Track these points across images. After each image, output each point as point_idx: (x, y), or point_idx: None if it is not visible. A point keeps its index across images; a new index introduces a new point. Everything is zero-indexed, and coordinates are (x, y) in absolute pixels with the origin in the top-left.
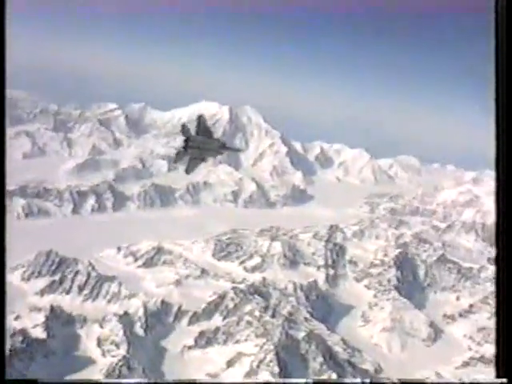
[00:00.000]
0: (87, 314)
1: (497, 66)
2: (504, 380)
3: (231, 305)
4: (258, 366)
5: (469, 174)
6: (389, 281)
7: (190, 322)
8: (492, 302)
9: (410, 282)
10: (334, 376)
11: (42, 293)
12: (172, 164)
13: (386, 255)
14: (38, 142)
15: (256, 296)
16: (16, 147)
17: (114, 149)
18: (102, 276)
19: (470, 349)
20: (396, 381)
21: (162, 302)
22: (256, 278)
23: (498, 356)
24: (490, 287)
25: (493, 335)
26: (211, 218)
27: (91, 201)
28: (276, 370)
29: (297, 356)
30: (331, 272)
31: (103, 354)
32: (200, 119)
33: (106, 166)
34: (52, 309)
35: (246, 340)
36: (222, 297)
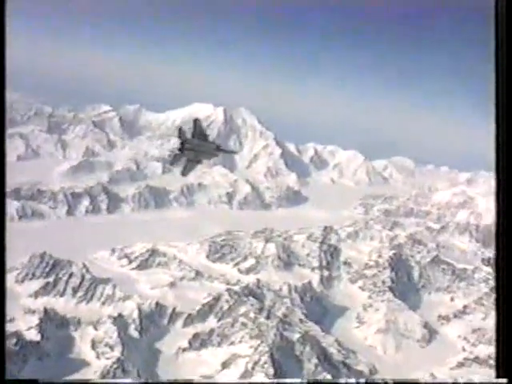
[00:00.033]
0: (81, 316)
1: (497, 66)
2: (504, 380)
3: (226, 306)
4: (252, 368)
5: (463, 175)
6: (383, 282)
7: (185, 324)
8: (486, 302)
9: (404, 283)
10: (328, 377)
11: (35, 295)
12: (167, 166)
13: (380, 256)
14: (32, 144)
15: (250, 298)
16: (10, 149)
17: (108, 151)
18: (96, 278)
19: (465, 350)
20: (390, 381)
21: (157, 304)
22: (250, 279)
23: (498, 356)
24: (484, 288)
25: (487, 336)
26: (206, 219)
27: (85, 203)
28: (271, 371)
29: (291, 357)
30: (326, 273)
31: (97, 357)
32: (196, 123)
33: (100, 167)
34: (46, 311)
35: (240, 342)
36: (217, 299)
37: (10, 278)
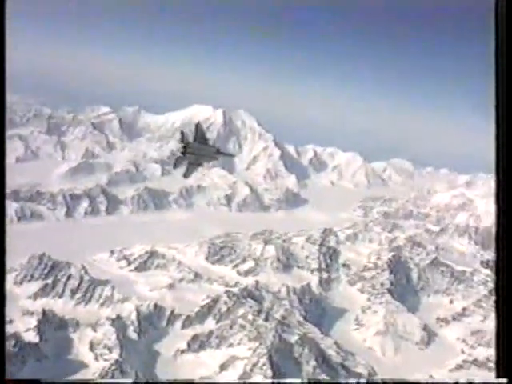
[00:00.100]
0: (80, 317)
1: (497, 66)
2: (504, 380)
3: (224, 308)
4: (251, 370)
5: (462, 177)
6: (382, 284)
7: (183, 326)
8: (485, 305)
9: (403, 285)
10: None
11: (34, 296)
12: (166, 168)
13: (379, 259)
14: (31, 146)
15: (249, 299)
16: (9, 151)
17: (108, 152)
18: (94, 280)
19: (464, 352)
20: (390, 382)
21: (155, 305)
22: (249, 281)
23: (498, 356)
24: (483, 290)
25: (486, 338)
26: (205, 221)
27: (84, 204)
28: (269, 373)
29: (290, 359)
30: (325, 275)
31: (96, 358)
32: (197, 127)
33: (99, 169)
34: (44, 313)
35: (239, 344)
36: (216, 300)
37: (8, 280)
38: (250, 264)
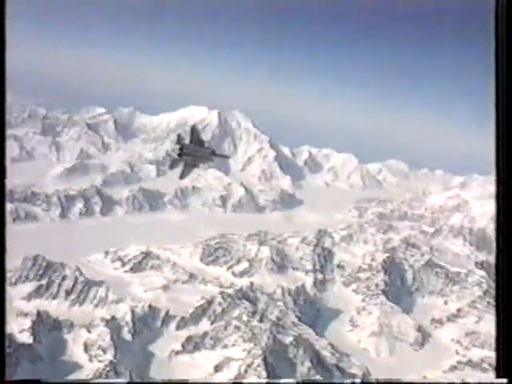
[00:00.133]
0: (74, 318)
1: (497, 66)
2: (504, 380)
3: (219, 309)
4: (245, 371)
5: (457, 178)
6: (377, 285)
7: (178, 327)
8: (480, 306)
9: (397, 286)
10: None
11: (28, 297)
12: (161, 168)
13: (374, 260)
14: (26, 146)
15: (244, 301)
16: None
17: (103, 153)
18: (89, 281)
19: (458, 353)
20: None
21: (150, 306)
22: (244, 282)
23: (498, 356)
24: (478, 291)
25: (480, 339)
26: (200, 222)
27: (79, 205)
28: (264, 374)
29: (285, 360)
30: (319, 276)
31: (90, 359)
32: (193, 129)
33: (94, 170)
34: (39, 314)
35: (233, 345)
36: (210, 301)
37: None
38: (244, 265)
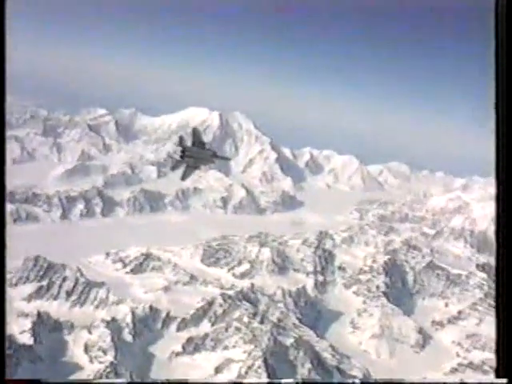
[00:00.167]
0: (75, 319)
1: (497, 66)
2: (504, 380)
3: (220, 311)
4: (246, 373)
5: (458, 180)
6: (378, 287)
7: (179, 328)
8: (481, 308)
9: (398, 288)
10: None
11: (29, 298)
12: (162, 170)
13: (374, 262)
14: (28, 147)
15: (244, 302)
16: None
17: (104, 154)
18: (90, 282)
19: (459, 355)
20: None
21: (151, 308)
22: (245, 284)
23: (498, 356)
24: (479, 294)
25: (481, 342)
26: (200, 223)
27: (80, 206)
28: (264, 376)
29: (285, 362)
30: (320, 278)
31: (91, 360)
32: (195, 131)
33: (95, 171)
34: (39, 315)
35: (234, 346)
36: (211, 303)
37: None
38: (245, 266)
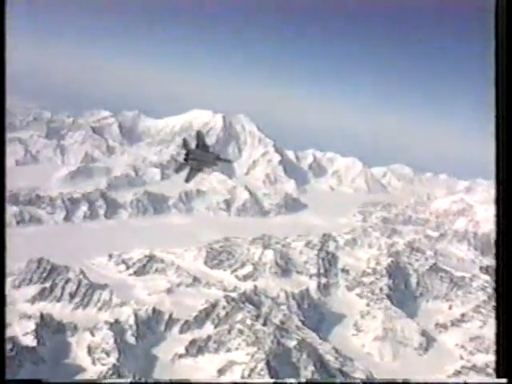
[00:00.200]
0: (78, 321)
1: (497, 66)
2: (504, 380)
3: (223, 313)
4: (249, 375)
5: (461, 183)
6: (381, 289)
7: (182, 331)
8: (484, 310)
9: (402, 290)
10: None
11: (32, 300)
12: (165, 172)
13: (378, 264)
14: (31, 149)
15: (248, 304)
16: (9, 154)
17: (107, 156)
18: (93, 284)
19: (462, 358)
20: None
21: (154, 310)
22: (248, 286)
23: (498, 356)
24: (483, 296)
25: (485, 344)
26: (204, 226)
27: (83, 208)
28: (267, 378)
29: (288, 364)
30: (323, 280)
31: (93, 362)
32: (198, 135)
33: (98, 173)
34: (42, 316)
35: (237, 348)
36: (214, 305)
37: (6, 283)
38: (248, 269)
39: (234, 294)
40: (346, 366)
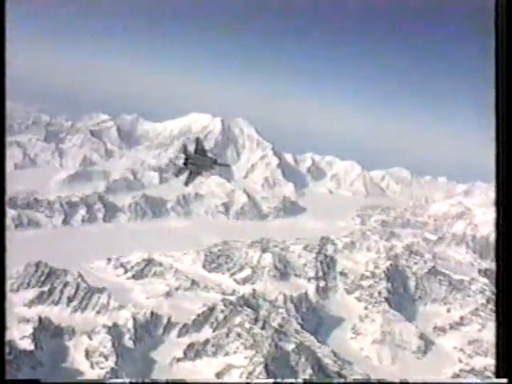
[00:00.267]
0: (76, 325)
1: (497, 66)
2: (504, 380)
3: (221, 317)
4: (247, 378)
5: (460, 186)
6: (379, 293)
7: (180, 334)
8: (483, 314)
9: (400, 294)
10: None
11: (30, 304)
12: (164, 175)
13: (376, 267)
14: (30, 153)
15: (246, 308)
16: (7, 158)
17: (106, 160)
18: (91, 287)
19: (461, 361)
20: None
21: (152, 313)
22: (246, 289)
23: (498, 356)
24: (481, 299)
25: (483, 347)
26: (202, 229)
27: (82, 212)
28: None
29: (286, 368)
30: (322, 284)
31: (91, 366)
32: (198, 141)
33: (97, 177)
34: (40, 320)
35: (235, 352)
36: (212, 309)
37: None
38: (247, 272)
39: (232, 298)
40: (344, 370)
